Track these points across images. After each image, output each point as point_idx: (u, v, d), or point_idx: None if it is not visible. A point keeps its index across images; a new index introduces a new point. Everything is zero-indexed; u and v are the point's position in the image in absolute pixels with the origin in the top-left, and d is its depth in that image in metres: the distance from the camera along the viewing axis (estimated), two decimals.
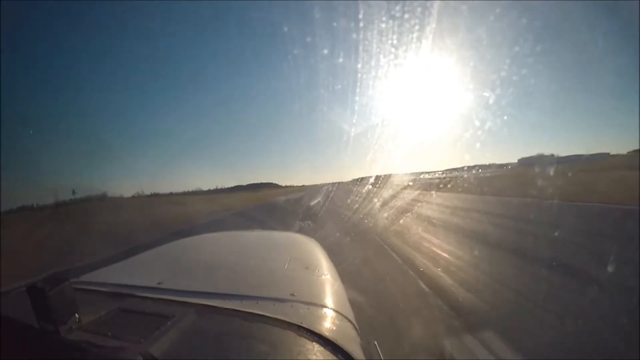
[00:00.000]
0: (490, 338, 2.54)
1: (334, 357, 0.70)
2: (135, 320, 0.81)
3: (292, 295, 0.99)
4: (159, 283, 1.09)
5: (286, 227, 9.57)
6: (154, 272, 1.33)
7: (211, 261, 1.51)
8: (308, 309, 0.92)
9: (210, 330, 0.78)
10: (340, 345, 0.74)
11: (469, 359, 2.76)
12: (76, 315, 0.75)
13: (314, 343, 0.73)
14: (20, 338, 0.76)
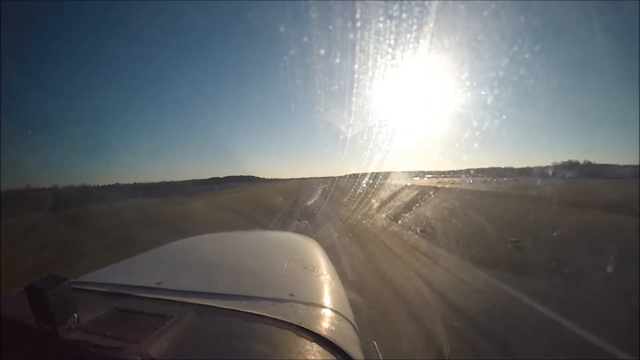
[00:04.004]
0: None
1: (333, 357, 0.70)
2: (134, 321, 0.81)
3: (291, 295, 0.99)
4: (158, 283, 1.09)
5: None
6: (153, 272, 1.33)
7: (210, 261, 1.51)
8: (307, 309, 0.92)
9: (209, 331, 0.78)
10: (339, 345, 0.74)
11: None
12: (75, 315, 0.75)
13: (313, 343, 0.73)
14: (19, 338, 0.76)
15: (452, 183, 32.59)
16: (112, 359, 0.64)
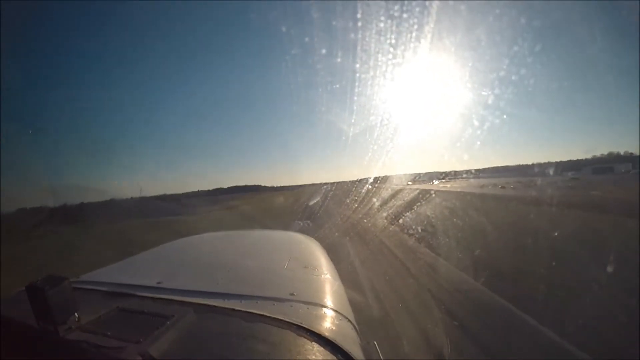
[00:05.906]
0: None
1: (334, 357, 0.70)
2: (135, 320, 0.81)
3: (292, 294, 0.99)
4: (158, 282, 1.09)
5: None
6: (153, 271, 1.33)
7: (210, 261, 1.51)
8: (307, 308, 0.92)
9: (209, 330, 0.78)
10: (339, 345, 0.74)
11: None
12: (75, 314, 0.75)
13: (313, 343, 0.73)
14: (20, 338, 0.76)
15: (502, 187, 22.49)
16: (113, 359, 0.64)
